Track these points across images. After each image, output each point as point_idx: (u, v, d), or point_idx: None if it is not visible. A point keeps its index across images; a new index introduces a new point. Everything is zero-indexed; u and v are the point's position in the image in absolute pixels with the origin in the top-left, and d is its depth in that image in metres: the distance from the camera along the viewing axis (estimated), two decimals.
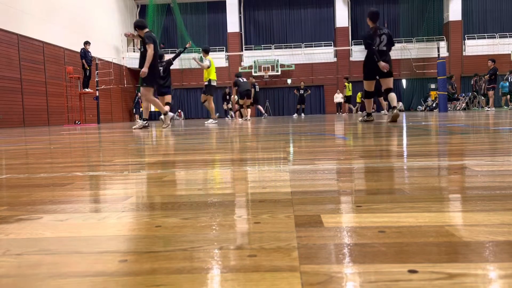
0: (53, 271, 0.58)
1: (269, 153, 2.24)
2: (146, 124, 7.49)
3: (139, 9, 24.74)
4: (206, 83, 10.35)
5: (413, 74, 22.30)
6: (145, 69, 7.03)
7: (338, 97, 21.02)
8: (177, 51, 10.59)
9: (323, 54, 23.89)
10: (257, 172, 1.53)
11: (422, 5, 24.03)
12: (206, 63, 9.99)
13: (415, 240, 0.67)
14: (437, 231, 0.71)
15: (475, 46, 23.54)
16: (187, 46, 10.04)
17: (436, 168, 1.50)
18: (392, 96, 6.51)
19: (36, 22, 14.90)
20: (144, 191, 1.22)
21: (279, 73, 23.45)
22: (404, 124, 5.44)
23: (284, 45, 24.59)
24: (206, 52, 10.21)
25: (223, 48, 24.36)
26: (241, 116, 13.77)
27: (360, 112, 22.08)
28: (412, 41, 23.47)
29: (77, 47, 15.79)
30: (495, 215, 0.81)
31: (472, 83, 18.20)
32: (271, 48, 24.50)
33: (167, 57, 10.32)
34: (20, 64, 14.01)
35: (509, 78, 16.78)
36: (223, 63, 24.00)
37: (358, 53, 23.04)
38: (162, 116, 7.61)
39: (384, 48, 6.41)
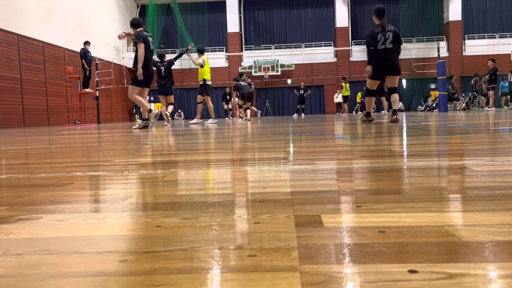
0: (53, 271, 0.58)
1: (269, 153, 2.25)
2: (146, 124, 7.48)
3: (139, 9, 24.74)
4: (201, 83, 10.35)
5: (413, 74, 22.29)
6: (139, 70, 6.98)
7: (338, 97, 21.02)
8: (178, 52, 10.60)
9: (323, 54, 23.88)
10: (257, 172, 1.53)
11: (422, 5, 24.04)
12: (199, 61, 10.00)
13: (415, 240, 0.67)
14: (437, 231, 0.71)
15: (475, 46, 23.54)
16: (189, 47, 10.03)
17: (436, 168, 1.50)
18: (395, 97, 6.39)
19: (36, 22, 14.90)
20: (144, 191, 1.22)
21: (279, 73, 23.44)
22: (404, 124, 5.44)
23: (284, 45, 24.58)
24: (201, 52, 10.23)
25: (223, 48, 24.36)
26: (241, 116, 13.77)
27: (360, 112, 22.11)
28: (412, 41, 23.46)
29: (77, 47, 15.79)
30: (495, 215, 0.81)
31: (472, 83, 18.21)
32: (271, 48, 24.50)
33: (168, 57, 10.33)
34: (20, 64, 14.01)
35: (510, 78, 16.78)
36: (223, 63, 24.00)
37: (358, 53, 23.04)
38: (150, 114, 7.43)
39: (391, 46, 6.18)
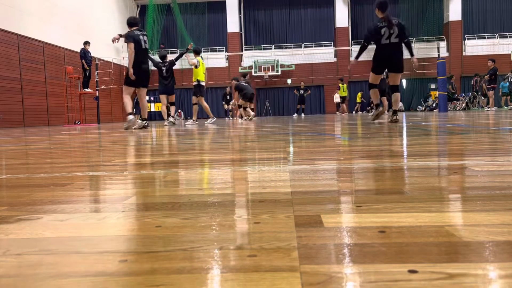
0: (53, 271, 0.58)
1: (269, 153, 2.24)
2: (146, 124, 7.49)
3: (139, 9, 24.73)
4: (195, 83, 10.36)
5: (413, 74, 22.28)
6: (130, 70, 6.92)
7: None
8: (178, 52, 10.62)
9: (323, 54, 23.88)
10: (257, 172, 1.53)
11: (422, 5, 24.03)
12: (194, 61, 10.02)
13: (415, 240, 0.67)
14: (437, 231, 0.71)
15: (475, 46, 23.54)
16: (189, 47, 10.06)
17: (436, 168, 1.50)
18: (397, 97, 6.25)
19: (36, 22, 14.90)
20: (144, 191, 1.22)
21: (279, 73, 23.44)
22: (404, 124, 5.44)
23: (284, 45, 24.58)
24: (197, 53, 10.25)
25: (223, 48, 24.36)
26: (241, 116, 13.77)
27: (360, 112, 22.12)
28: (412, 41, 23.44)
29: (77, 47, 15.79)
30: (495, 215, 0.81)
31: (472, 83, 18.21)
32: (271, 48, 24.49)
33: (170, 57, 10.36)
34: (20, 64, 14.01)
35: (510, 77, 16.78)
36: (223, 63, 24.00)
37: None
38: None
39: (396, 40, 5.85)
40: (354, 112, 22.86)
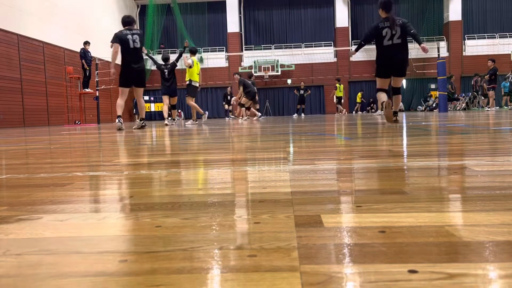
0: (53, 271, 0.58)
1: (269, 153, 2.24)
2: (143, 124, 7.51)
3: (139, 9, 24.73)
4: (187, 83, 10.36)
5: (413, 74, 22.28)
6: (112, 70, 6.94)
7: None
8: (178, 52, 10.62)
9: (323, 54, 23.87)
10: (257, 172, 1.53)
11: (422, 5, 24.03)
12: (189, 61, 10.04)
13: (415, 240, 0.67)
14: (437, 231, 0.71)
15: (475, 46, 23.54)
16: (185, 45, 10.08)
17: (436, 168, 1.50)
18: (398, 99, 6.13)
19: (36, 22, 14.90)
20: (144, 191, 1.22)
21: (279, 73, 23.43)
22: (404, 124, 5.43)
23: (284, 45, 24.57)
24: (193, 53, 10.27)
25: (223, 48, 24.35)
26: (242, 116, 13.76)
27: (360, 112, 22.12)
28: (412, 41, 23.42)
29: (77, 47, 15.78)
30: (495, 215, 0.81)
31: (472, 83, 18.20)
32: (271, 48, 24.49)
33: (172, 58, 10.38)
34: (20, 64, 14.01)
35: (510, 77, 16.78)
36: (223, 63, 24.00)
37: (358, 53, 22.84)
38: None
39: (399, 41, 5.63)
40: (354, 112, 22.86)
